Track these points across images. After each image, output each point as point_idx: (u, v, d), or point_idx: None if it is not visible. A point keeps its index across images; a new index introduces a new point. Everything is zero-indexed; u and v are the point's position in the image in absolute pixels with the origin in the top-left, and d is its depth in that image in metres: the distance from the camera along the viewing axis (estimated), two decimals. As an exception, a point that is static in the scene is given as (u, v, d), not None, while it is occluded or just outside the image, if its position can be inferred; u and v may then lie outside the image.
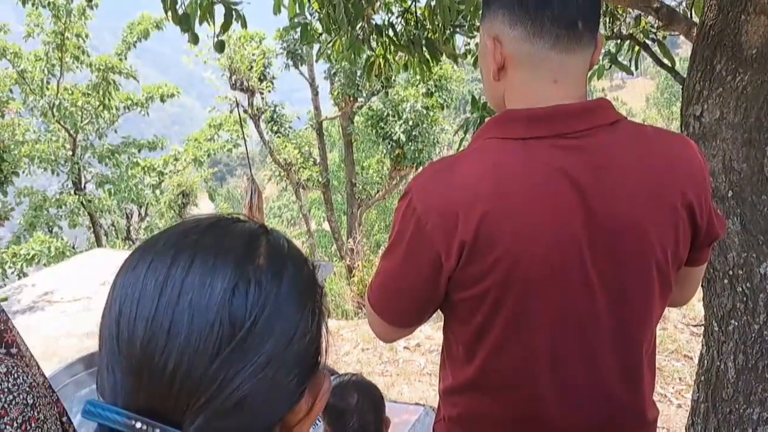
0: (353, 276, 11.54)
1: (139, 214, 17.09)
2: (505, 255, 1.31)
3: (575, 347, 1.39)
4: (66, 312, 4.84)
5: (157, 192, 16.40)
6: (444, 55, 4.14)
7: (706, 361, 3.37)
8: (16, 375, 0.99)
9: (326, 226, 17.14)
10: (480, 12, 1.65)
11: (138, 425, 0.61)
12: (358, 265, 11.72)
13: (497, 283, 1.33)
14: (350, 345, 8.06)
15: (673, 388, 5.73)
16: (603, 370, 1.42)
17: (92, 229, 16.11)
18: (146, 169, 16.22)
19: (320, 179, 14.87)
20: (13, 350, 1.08)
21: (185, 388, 0.62)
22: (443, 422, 1.58)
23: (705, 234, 1.42)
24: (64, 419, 1.17)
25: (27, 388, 0.99)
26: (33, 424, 0.99)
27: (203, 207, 20.59)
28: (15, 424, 0.96)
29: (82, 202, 14.78)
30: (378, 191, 15.47)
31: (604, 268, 1.34)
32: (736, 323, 3.20)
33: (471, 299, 1.38)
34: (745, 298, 3.16)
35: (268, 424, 0.68)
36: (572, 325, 1.37)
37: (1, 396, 0.95)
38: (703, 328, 3.10)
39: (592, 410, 1.44)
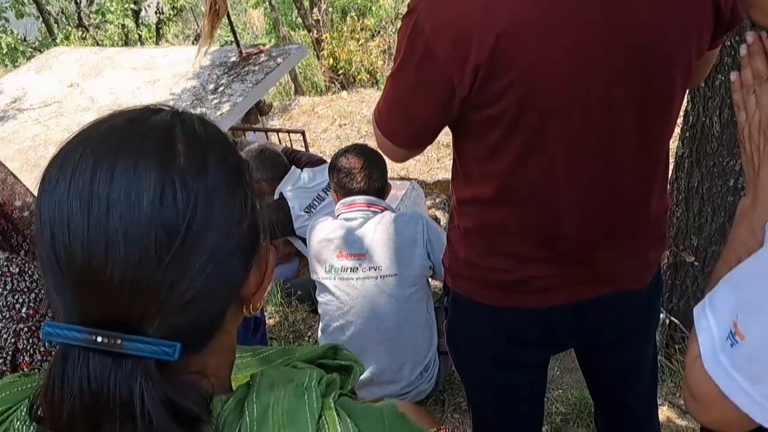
0: (322, 49, 11.23)
1: (87, -4, 16.17)
2: (521, 77, 1.24)
3: (593, 165, 1.37)
4: (39, 119, 4.72)
5: (103, -31, 15.36)
6: None
7: (691, 117, 3.39)
8: (30, 272, 0.99)
9: (284, -9, 16.38)
10: None
11: (99, 339, 0.62)
12: (326, 37, 11.37)
13: (513, 105, 1.27)
14: (327, 122, 8.04)
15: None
16: (621, 182, 1.41)
17: (41, 19, 15.29)
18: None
19: (273, -57, 13.90)
20: (14, 241, 1.06)
21: (136, 298, 0.63)
22: (458, 230, 1.59)
23: (728, 21, 1.34)
24: None
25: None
26: None
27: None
28: (48, 318, 0.98)
29: (24, -11, 13.87)
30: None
31: (628, 81, 1.28)
32: (723, 78, 3.18)
33: (485, 120, 1.32)
34: (732, 52, 3.12)
35: (221, 309, 0.71)
36: (591, 143, 1.34)
37: (24, 297, 0.96)
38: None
39: (607, 220, 1.45)
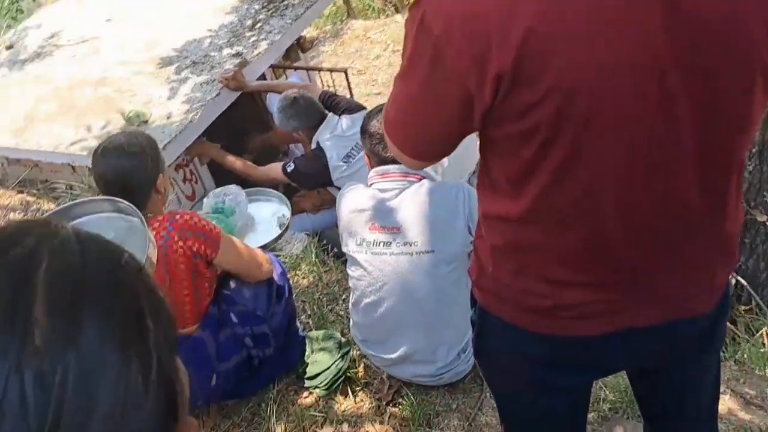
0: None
1: None
2: (557, 86, 1.00)
3: (648, 184, 1.13)
4: (75, 56, 4.56)
5: None
6: None
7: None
8: None
9: None
10: None
11: None
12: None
13: (547, 121, 1.04)
14: (380, 47, 7.69)
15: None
16: (684, 203, 1.16)
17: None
18: None
19: None
20: None
21: None
22: (485, 243, 1.35)
23: None
24: None
25: None
26: None
27: None
28: None
29: None
30: None
31: (693, 90, 1.03)
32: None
33: (514, 136, 1.09)
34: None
35: None
36: (646, 160, 1.10)
37: None
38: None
39: (666, 243, 1.21)
